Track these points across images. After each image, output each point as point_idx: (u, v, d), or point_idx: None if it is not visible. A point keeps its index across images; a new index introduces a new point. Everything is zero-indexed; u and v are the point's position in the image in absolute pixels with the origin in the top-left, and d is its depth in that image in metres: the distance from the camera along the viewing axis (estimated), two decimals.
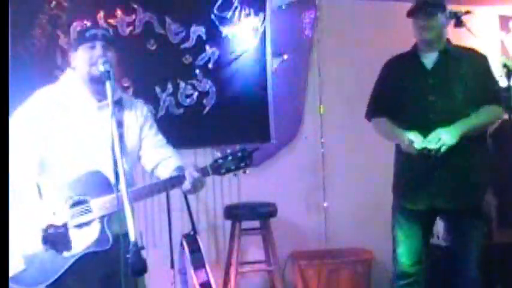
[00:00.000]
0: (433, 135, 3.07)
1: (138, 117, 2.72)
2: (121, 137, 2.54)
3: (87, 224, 2.49)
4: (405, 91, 3.27)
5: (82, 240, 2.48)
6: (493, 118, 3.28)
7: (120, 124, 2.57)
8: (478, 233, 3.28)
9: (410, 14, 3.21)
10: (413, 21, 3.24)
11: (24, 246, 2.48)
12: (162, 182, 2.60)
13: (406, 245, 3.30)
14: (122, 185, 2.23)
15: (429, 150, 3.06)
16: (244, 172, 2.66)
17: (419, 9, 3.20)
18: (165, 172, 2.68)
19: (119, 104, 2.64)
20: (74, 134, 2.55)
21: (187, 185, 2.57)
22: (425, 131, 3.13)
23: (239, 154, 2.61)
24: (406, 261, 3.30)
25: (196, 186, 2.58)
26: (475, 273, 3.25)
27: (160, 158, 2.73)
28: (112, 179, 2.39)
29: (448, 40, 3.30)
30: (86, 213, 2.49)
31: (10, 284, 2.45)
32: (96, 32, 2.63)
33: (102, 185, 2.49)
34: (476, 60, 3.27)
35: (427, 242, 3.36)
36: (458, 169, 3.16)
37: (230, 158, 2.61)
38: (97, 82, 2.55)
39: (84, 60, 2.57)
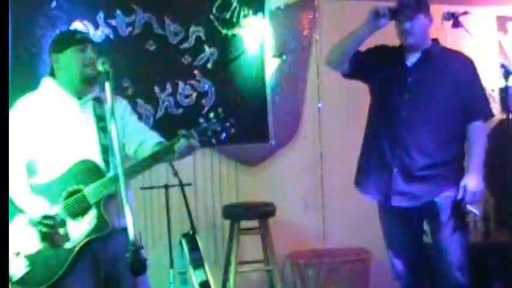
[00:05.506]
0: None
1: (118, 108, 2.73)
2: (104, 130, 2.63)
3: (84, 212, 2.53)
4: (383, 85, 3.17)
5: (81, 229, 2.52)
6: (485, 140, 3.12)
7: (102, 118, 2.66)
8: (461, 233, 3.09)
9: (391, 17, 2.99)
10: (395, 24, 3.08)
11: (26, 247, 2.50)
12: (149, 156, 2.59)
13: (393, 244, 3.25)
14: (120, 172, 2.24)
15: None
16: (232, 127, 2.66)
17: (400, 12, 3.00)
18: (146, 150, 2.67)
19: (98, 100, 2.69)
20: (59, 135, 2.59)
21: (177, 148, 2.58)
22: (396, 131, 3.07)
23: (221, 114, 2.64)
24: (396, 261, 3.24)
25: (185, 152, 2.60)
26: (457, 278, 3.07)
27: (142, 139, 2.72)
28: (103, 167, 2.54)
29: (435, 40, 3.17)
30: (81, 202, 2.53)
31: (16, 287, 2.48)
32: (86, 34, 2.77)
33: (94, 171, 2.56)
34: (462, 66, 3.12)
35: (416, 242, 3.23)
36: (431, 165, 3.06)
37: (214, 120, 2.62)
38: (89, 82, 2.62)
39: (76, 61, 2.60)
